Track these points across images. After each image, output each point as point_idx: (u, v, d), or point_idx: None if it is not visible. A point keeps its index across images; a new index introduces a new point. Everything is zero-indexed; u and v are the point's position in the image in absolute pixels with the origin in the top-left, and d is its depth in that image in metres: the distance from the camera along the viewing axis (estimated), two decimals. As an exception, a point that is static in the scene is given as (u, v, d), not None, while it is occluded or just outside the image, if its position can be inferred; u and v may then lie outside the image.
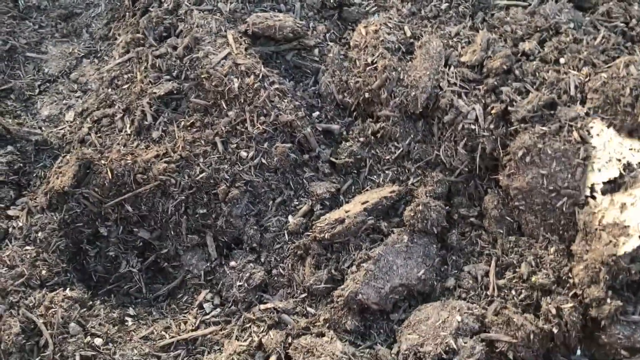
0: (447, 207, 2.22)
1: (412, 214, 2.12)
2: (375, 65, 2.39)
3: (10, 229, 2.14)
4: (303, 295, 2.13)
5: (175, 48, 2.49)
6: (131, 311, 2.10)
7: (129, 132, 2.39)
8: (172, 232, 2.24)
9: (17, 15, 2.79)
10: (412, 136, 2.35)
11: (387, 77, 2.34)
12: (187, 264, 2.23)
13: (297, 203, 2.32)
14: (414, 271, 2.07)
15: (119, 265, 2.22)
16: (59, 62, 2.73)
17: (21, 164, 2.33)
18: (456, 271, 2.14)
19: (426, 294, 2.10)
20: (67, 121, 2.52)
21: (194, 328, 2.04)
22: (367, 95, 2.40)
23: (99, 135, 2.40)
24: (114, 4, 2.93)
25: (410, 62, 2.40)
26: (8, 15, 2.76)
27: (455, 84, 2.28)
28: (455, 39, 2.47)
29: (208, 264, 2.23)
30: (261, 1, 2.65)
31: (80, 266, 2.20)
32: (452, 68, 2.33)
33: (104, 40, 2.82)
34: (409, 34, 2.51)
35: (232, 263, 2.21)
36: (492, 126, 2.20)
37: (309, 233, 2.20)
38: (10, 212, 2.18)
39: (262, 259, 2.24)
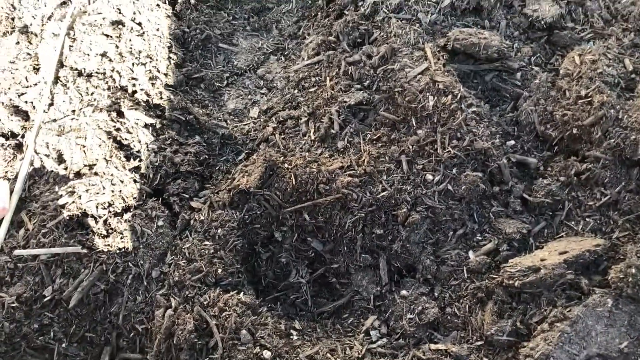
0: (660, 273, 1.93)
1: (620, 276, 1.85)
2: (589, 99, 2.15)
3: (192, 221, 2.14)
4: (479, 343, 1.94)
5: (370, 57, 2.39)
6: (297, 324, 2.02)
7: (312, 137, 2.32)
8: (346, 248, 2.15)
9: (214, 5, 2.83)
10: (623, 184, 2.08)
11: (604, 114, 2.09)
12: (357, 284, 2.13)
13: (480, 238, 2.13)
14: (615, 341, 1.82)
15: (288, 273, 2.16)
16: (248, 55, 2.73)
17: (206, 156, 2.33)
18: (664, 349, 1.85)
19: (626, 370, 1.84)
20: (251, 117, 2.51)
21: (360, 356, 1.92)
22: (575, 131, 2.16)
23: (283, 136, 2.36)
24: (306, 1, 2.89)
25: (631, 101, 2.13)
26: (207, 5, 2.80)
27: (686, 132, 1.99)
28: (688, 80, 2.16)
29: (378, 288, 2.11)
30: (464, 15, 2.48)
31: (251, 268, 2.17)
32: (684, 114, 2.03)
33: (293, 38, 2.78)
34: (630, 68, 2.24)
35: (404, 292, 2.08)
36: None
37: (493, 275, 2.00)
38: (193, 204, 2.19)
39: (436, 294, 2.08)
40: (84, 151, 2.19)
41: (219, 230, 2.10)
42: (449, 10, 2.47)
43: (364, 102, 2.32)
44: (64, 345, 1.97)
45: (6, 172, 2.29)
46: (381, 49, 2.36)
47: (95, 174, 2.14)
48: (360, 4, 2.57)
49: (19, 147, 2.36)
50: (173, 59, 2.54)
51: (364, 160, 2.19)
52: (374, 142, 2.26)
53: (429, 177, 2.15)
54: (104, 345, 1.99)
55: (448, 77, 2.26)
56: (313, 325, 2.07)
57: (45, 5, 2.75)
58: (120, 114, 2.30)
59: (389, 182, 2.15)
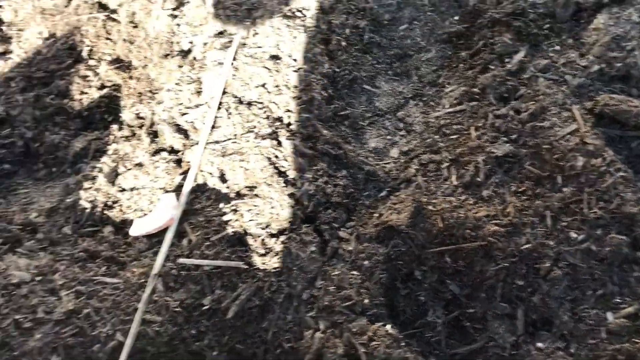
0: None
1: None
2: None
3: (339, 250, 2.25)
4: (619, 405, 1.96)
5: (518, 112, 2.48)
6: (432, 364, 2.10)
7: (455, 183, 2.42)
8: (484, 295, 2.20)
9: (361, 48, 3.00)
10: None
11: None
12: (493, 331, 2.18)
13: (619, 301, 2.15)
14: None
15: (425, 312, 2.23)
16: (389, 98, 2.87)
17: (352, 190, 2.46)
18: None
19: None
20: (391, 157, 2.63)
21: (497, 402, 1.97)
22: None
23: (425, 179, 2.47)
24: (445, 52, 3.02)
25: None
26: (356, 48, 2.97)
27: None
28: None
29: (514, 338, 2.16)
30: (611, 81, 2.55)
31: (389, 302, 2.25)
32: None
33: (432, 85, 2.90)
34: None
35: (540, 344, 2.11)
36: None
37: (636, 340, 2.02)
38: (341, 234, 2.31)
39: (572, 350, 2.11)
40: (246, 173, 2.36)
41: (366, 262, 2.21)
42: (596, 75, 2.55)
43: (510, 155, 2.40)
44: (215, 353, 2.09)
45: (166, 184, 2.48)
46: (530, 106, 2.45)
47: (256, 195, 2.30)
48: (506, 60, 2.68)
49: (178, 163, 2.55)
50: (324, 96, 2.70)
51: (509, 211, 2.26)
52: (518, 194, 2.34)
53: (573, 235, 2.20)
54: (251, 358, 2.10)
55: (597, 140, 2.32)
56: (447, 366, 2.14)
57: (202, 32, 2.98)
58: (279, 142, 2.46)
59: (533, 235, 2.21)
